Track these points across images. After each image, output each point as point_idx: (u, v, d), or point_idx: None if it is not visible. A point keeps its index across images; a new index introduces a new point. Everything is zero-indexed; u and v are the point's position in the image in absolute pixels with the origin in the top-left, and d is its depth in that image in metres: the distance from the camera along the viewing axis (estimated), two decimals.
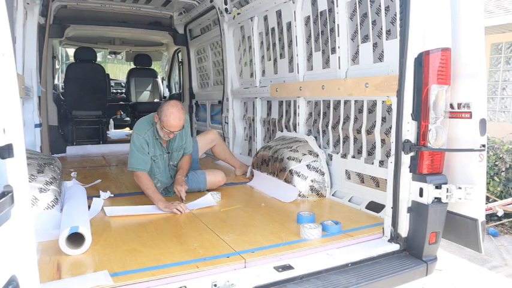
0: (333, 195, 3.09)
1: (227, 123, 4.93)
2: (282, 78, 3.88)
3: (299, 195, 3.03)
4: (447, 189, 2.07)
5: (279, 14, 3.82)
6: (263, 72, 4.30)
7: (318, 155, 3.17)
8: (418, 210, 2.13)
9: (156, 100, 8.17)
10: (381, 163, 2.71)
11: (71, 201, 2.54)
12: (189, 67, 6.39)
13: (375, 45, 2.79)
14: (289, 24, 3.66)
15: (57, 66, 7.29)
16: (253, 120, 4.52)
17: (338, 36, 3.03)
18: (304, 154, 3.17)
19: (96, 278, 1.68)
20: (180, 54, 7.20)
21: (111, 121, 8.05)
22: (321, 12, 3.28)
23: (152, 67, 8.61)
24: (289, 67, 3.79)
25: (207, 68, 5.94)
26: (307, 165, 3.11)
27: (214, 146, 4.02)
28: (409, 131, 2.13)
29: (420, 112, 2.08)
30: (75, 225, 2.00)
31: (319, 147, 3.33)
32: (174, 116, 2.93)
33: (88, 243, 2.02)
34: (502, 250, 4.40)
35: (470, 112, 2.09)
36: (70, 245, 1.98)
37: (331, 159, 3.22)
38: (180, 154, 3.33)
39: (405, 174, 2.16)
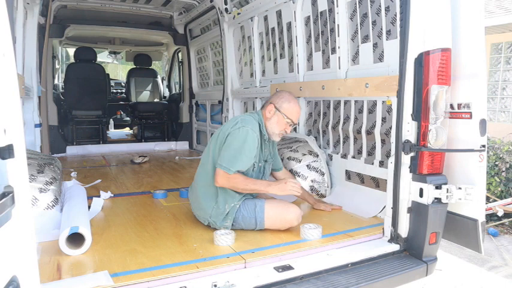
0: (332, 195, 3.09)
1: None
2: (282, 78, 3.88)
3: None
4: (447, 189, 2.07)
5: (279, 14, 3.82)
6: (263, 72, 4.30)
7: (318, 155, 3.17)
8: (418, 211, 2.13)
9: (156, 100, 8.17)
10: (381, 163, 2.71)
11: (71, 201, 2.54)
12: (189, 67, 6.39)
13: (375, 45, 2.79)
14: (289, 24, 3.65)
15: (57, 66, 7.28)
16: None
17: (338, 36, 3.02)
18: (304, 154, 3.17)
19: (97, 278, 1.68)
20: (180, 54, 7.20)
21: (111, 121, 8.06)
22: (321, 12, 3.28)
23: (152, 67, 8.61)
24: (289, 67, 3.78)
25: (207, 68, 5.94)
26: (307, 165, 3.11)
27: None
28: (409, 131, 2.13)
29: (420, 112, 2.08)
30: (75, 226, 2.00)
31: (319, 147, 3.34)
32: (297, 102, 2.46)
33: (88, 243, 2.02)
34: (502, 250, 4.40)
35: (471, 112, 2.09)
36: (70, 245, 1.98)
37: (331, 160, 3.22)
38: (269, 168, 2.66)
39: (405, 174, 2.16)
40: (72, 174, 3.84)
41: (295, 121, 2.49)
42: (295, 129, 3.71)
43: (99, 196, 3.01)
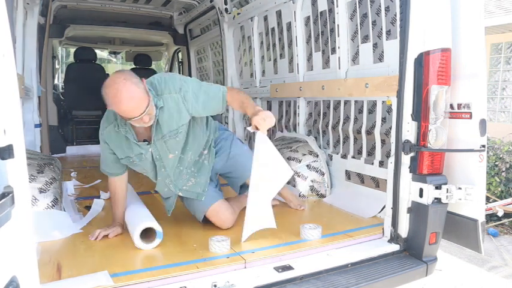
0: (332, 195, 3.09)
1: (227, 123, 4.92)
2: (282, 79, 3.87)
3: (299, 196, 3.03)
4: (447, 189, 2.07)
5: (279, 14, 3.82)
6: (263, 72, 4.30)
7: (318, 155, 3.17)
8: (418, 211, 2.13)
9: None
10: (381, 163, 2.71)
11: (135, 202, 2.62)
12: (189, 67, 6.39)
13: (375, 45, 2.79)
14: (289, 25, 3.65)
15: (57, 66, 7.28)
16: None
17: (338, 36, 3.02)
18: (304, 154, 3.17)
19: (96, 279, 1.68)
20: (180, 54, 7.20)
21: None
22: (321, 13, 3.28)
23: (152, 67, 8.60)
24: (289, 67, 3.78)
25: (207, 68, 5.94)
26: (307, 166, 3.11)
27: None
28: (409, 131, 2.12)
29: (420, 112, 2.08)
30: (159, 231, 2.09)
31: (319, 147, 3.33)
32: (118, 97, 1.82)
33: (158, 241, 2.08)
34: (502, 250, 4.40)
35: (470, 112, 2.09)
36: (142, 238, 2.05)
37: (331, 160, 3.22)
38: (180, 140, 2.17)
39: (405, 174, 2.16)
40: (72, 174, 3.84)
41: (134, 117, 1.88)
42: (295, 129, 3.71)
43: (99, 196, 3.01)
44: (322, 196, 3.08)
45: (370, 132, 2.86)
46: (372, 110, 2.85)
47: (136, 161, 2.19)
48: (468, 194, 2.07)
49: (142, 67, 8.12)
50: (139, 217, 2.19)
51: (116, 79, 1.85)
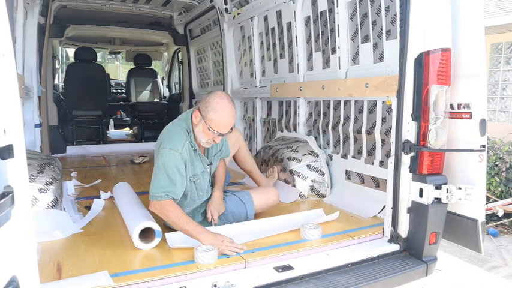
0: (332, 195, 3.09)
1: None
2: (282, 78, 3.88)
3: (299, 196, 3.03)
4: (447, 189, 2.07)
5: (279, 14, 3.82)
6: (263, 72, 4.30)
7: (318, 155, 3.17)
8: (418, 211, 2.13)
9: (156, 100, 8.17)
10: (381, 163, 2.71)
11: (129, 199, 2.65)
12: (189, 67, 6.39)
13: (375, 45, 2.79)
14: (289, 24, 3.65)
15: (57, 66, 7.28)
16: (253, 120, 4.52)
17: (338, 36, 3.02)
18: (304, 154, 3.17)
19: (96, 279, 1.68)
20: (180, 54, 7.20)
21: (111, 121, 8.05)
22: (321, 13, 3.28)
23: (152, 67, 8.61)
24: (289, 67, 3.78)
25: (207, 68, 5.94)
26: (307, 166, 3.11)
27: (238, 152, 2.91)
28: (409, 131, 2.12)
29: (420, 112, 2.08)
30: (158, 230, 2.07)
31: (319, 147, 3.33)
32: (228, 111, 2.08)
33: (158, 240, 2.07)
34: (502, 250, 4.39)
35: (470, 112, 2.09)
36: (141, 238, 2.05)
37: (331, 160, 3.22)
38: (216, 162, 2.50)
39: (405, 174, 2.16)
40: (72, 174, 3.84)
41: (224, 132, 2.13)
42: (295, 129, 3.71)
43: (99, 196, 3.01)
44: (322, 196, 3.08)
45: (370, 132, 2.86)
46: (372, 110, 2.85)
47: (200, 180, 2.30)
48: (468, 194, 2.07)
49: (142, 67, 8.14)
50: (139, 217, 2.19)
51: (225, 96, 2.14)
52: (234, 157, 2.94)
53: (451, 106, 2.17)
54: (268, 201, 2.59)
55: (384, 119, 2.74)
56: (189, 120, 2.24)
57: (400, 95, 2.15)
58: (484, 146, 2.08)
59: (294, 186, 3.08)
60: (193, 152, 2.23)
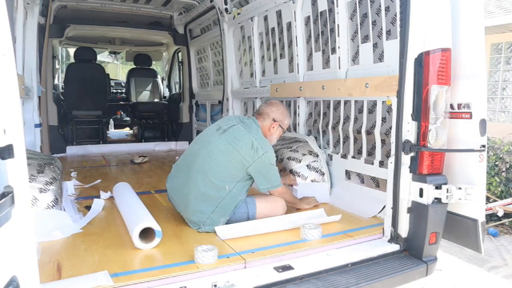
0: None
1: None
2: (282, 78, 3.88)
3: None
4: (447, 189, 2.07)
5: (279, 14, 3.82)
6: (263, 72, 4.30)
7: (318, 155, 3.17)
8: (418, 211, 2.13)
9: (156, 100, 8.18)
10: (381, 163, 2.71)
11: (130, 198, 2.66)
12: (189, 67, 6.39)
13: (375, 45, 2.79)
14: (289, 24, 3.65)
15: (57, 66, 7.28)
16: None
17: (338, 36, 3.02)
18: (304, 154, 3.17)
19: (96, 279, 1.68)
20: (180, 54, 7.20)
21: (111, 121, 8.06)
22: (321, 13, 3.28)
23: (152, 67, 8.61)
24: (289, 67, 3.78)
25: (207, 68, 5.94)
26: (307, 166, 3.11)
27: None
28: (409, 131, 2.12)
29: (420, 112, 2.08)
30: (158, 230, 2.07)
31: (319, 147, 3.33)
32: (285, 107, 2.78)
33: (158, 240, 2.07)
34: (502, 250, 4.40)
35: (471, 112, 2.09)
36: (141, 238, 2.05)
37: (331, 160, 3.22)
38: None
39: (405, 174, 2.16)
40: (72, 174, 3.84)
41: (287, 127, 2.82)
42: (295, 129, 3.72)
43: (99, 196, 3.01)
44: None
45: (370, 132, 2.86)
46: (372, 110, 2.85)
47: None
48: (468, 194, 2.07)
49: (142, 67, 8.14)
50: (139, 217, 2.20)
51: (278, 101, 2.79)
52: None
53: (451, 106, 2.17)
54: (272, 210, 2.57)
55: (384, 119, 2.74)
56: (259, 126, 2.64)
57: (400, 95, 2.15)
58: (484, 146, 2.08)
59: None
60: None
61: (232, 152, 2.43)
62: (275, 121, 2.67)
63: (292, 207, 2.72)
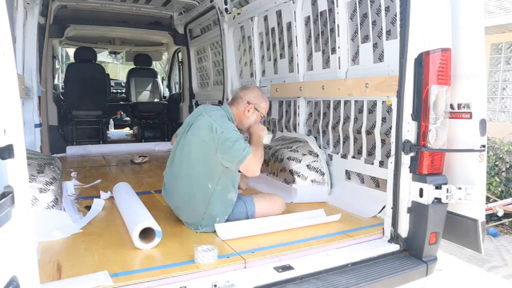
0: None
1: None
2: (282, 78, 3.88)
3: None
4: (447, 189, 2.07)
5: (279, 14, 3.82)
6: (263, 72, 4.30)
7: (318, 155, 3.17)
8: (418, 211, 2.13)
9: (156, 100, 8.18)
10: (381, 163, 2.71)
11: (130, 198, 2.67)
12: (189, 67, 6.39)
13: (375, 45, 2.79)
14: (289, 24, 3.65)
15: (57, 66, 7.28)
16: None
17: (338, 36, 3.02)
18: (304, 154, 3.17)
19: (96, 279, 1.68)
20: (180, 54, 7.20)
21: (111, 121, 8.06)
22: (321, 13, 3.28)
23: (152, 67, 8.61)
24: (289, 67, 3.78)
25: (207, 68, 5.94)
26: (307, 166, 3.11)
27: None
28: (409, 131, 2.12)
29: (420, 112, 2.08)
30: (158, 230, 2.07)
31: (319, 147, 3.33)
32: (261, 90, 2.71)
33: (158, 240, 2.07)
34: (502, 250, 4.40)
35: (471, 112, 2.09)
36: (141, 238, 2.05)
37: (331, 160, 3.22)
38: None
39: (405, 174, 2.16)
40: (72, 174, 3.84)
41: (266, 111, 2.74)
42: (295, 129, 3.72)
43: (99, 196, 3.01)
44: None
45: (370, 132, 2.86)
46: (372, 110, 2.85)
47: None
48: (468, 194, 2.07)
49: (142, 67, 8.14)
50: (139, 217, 2.20)
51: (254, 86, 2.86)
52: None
53: (451, 106, 2.17)
54: (271, 208, 2.56)
55: (384, 119, 2.74)
56: (229, 111, 2.57)
57: (400, 95, 2.15)
58: (484, 146, 2.08)
59: (294, 186, 3.08)
60: None
61: (199, 144, 2.38)
62: (249, 103, 2.58)
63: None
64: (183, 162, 2.44)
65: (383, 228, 2.33)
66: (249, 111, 2.59)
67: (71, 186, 3.24)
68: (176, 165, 2.49)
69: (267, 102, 2.70)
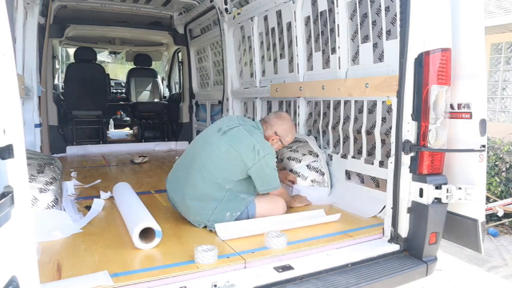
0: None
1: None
2: (282, 78, 3.87)
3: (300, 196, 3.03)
4: (447, 189, 2.07)
5: (279, 14, 3.82)
6: (263, 72, 4.30)
7: (318, 155, 3.17)
8: (418, 211, 2.13)
9: (156, 100, 8.18)
10: (381, 163, 2.71)
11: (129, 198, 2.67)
12: (189, 67, 6.39)
13: (375, 45, 2.79)
14: (289, 24, 3.65)
15: (57, 66, 7.28)
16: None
17: (338, 36, 3.02)
18: (304, 154, 3.17)
19: (96, 279, 1.68)
20: (180, 54, 7.20)
21: (111, 121, 8.06)
22: (321, 13, 3.28)
23: (152, 67, 8.61)
24: (289, 67, 3.78)
25: (207, 68, 5.94)
26: (307, 166, 3.11)
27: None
28: (409, 131, 2.12)
29: (420, 112, 2.08)
30: (158, 230, 2.07)
31: (319, 147, 3.33)
32: (293, 124, 2.81)
33: (158, 240, 2.07)
34: (502, 250, 4.40)
35: (470, 112, 2.09)
36: (141, 238, 2.05)
37: (331, 160, 3.22)
38: None
39: (405, 174, 2.16)
40: (72, 174, 3.84)
41: (291, 141, 2.85)
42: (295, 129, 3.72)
43: (99, 196, 3.01)
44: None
45: (370, 132, 2.86)
46: (372, 110, 2.85)
47: None
48: (468, 194, 2.07)
49: (142, 67, 8.15)
50: (139, 217, 2.20)
51: (288, 117, 2.83)
52: None
53: (451, 106, 2.17)
54: (272, 210, 2.57)
55: (384, 119, 2.74)
56: (262, 133, 2.66)
57: (400, 95, 2.15)
58: (484, 146, 2.08)
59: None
60: None
61: (233, 154, 2.44)
62: (276, 135, 2.69)
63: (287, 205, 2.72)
64: (207, 162, 2.47)
65: (383, 228, 2.33)
66: (273, 139, 2.68)
67: (71, 186, 3.24)
68: (197, 162, 2.50)
69: (294, 135, 2.82)
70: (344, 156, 3.10)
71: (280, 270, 1.89)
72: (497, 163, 5.33)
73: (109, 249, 2.05)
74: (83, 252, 2.01)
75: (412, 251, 2.21)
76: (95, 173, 4.11)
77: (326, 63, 3.29)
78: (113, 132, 7.86)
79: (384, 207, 2.39)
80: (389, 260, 2.17)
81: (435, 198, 2.08)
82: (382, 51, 2.72)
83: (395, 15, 2.54)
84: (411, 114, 2.11)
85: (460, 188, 2.08)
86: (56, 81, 6.82)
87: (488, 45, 9.00)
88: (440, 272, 3.71)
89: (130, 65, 8.71)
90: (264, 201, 2.57)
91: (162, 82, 8.64)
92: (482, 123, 2.08)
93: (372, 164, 2.80)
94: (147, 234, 2.07)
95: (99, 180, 3.66)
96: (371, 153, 2.89)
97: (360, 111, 2.95)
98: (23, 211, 1.07)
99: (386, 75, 2.53)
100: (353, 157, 3.01)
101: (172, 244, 2.13)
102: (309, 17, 3.44)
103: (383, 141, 2.76)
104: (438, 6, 2.05)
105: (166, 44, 7.52)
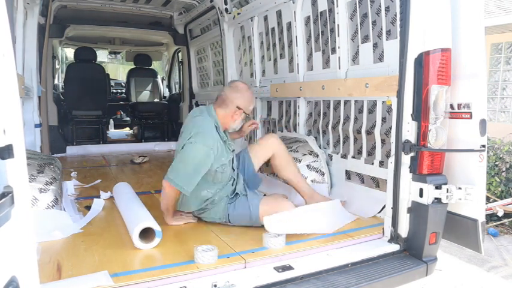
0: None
1: None
2: (282, 78, 3.87)
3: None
4: (447, 189, 2.07)
5: (279, 14, 3.82)
6: (263, 72, 4.30)
7: (318, 155, 3.17)
8: (418, 211, 2.13)
9: (156, 100, 8.18)
10: (381, 163, 2.71)
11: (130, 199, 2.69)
12: (189, 67, 6.39)
13: (375, 45, 2.79)
14: (289, 24, 3.65)
15: (57, 66, 7.28)
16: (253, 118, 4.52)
17: (338, 36, 3.02)
18: (304, 154, 3.17)
19: (96, 279, 1.68)
20: (180, 54, 7.20)
21: (111, 121, 8.06)
22: (321, 13, 3.28)
23: (152, 67, 8.61)
24: (289, 67, 3.78)
25: (207, 68, 5.94)
26: (307, 166, 3.11)
27: (274, 158, 2.79)
28: (409, 131, 2.12)
29: (420, 112, 2.08)
30: (158, 230, 2.08)
31: (319, 147, 3.33)
32: (251, 91, 2.55)
33: (158, 240, 2.07)
34: (502, 250, 4.40)
35: (470, 112, 2.09)
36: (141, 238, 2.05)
37: (331, 160, 3.22)
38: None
39: (405, 174, 2.16)
40: (72, 174, 3.84)
41: (251, 110, 2.67)
42: (295, 129, 3.72)
43: (99, 196, 3.01)
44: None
45: (370, 132, 2.86)
46: (372, 110, 2.85)
47: (226, 168, 2.45)
48: (468, 194, 2.07)
49: (142, 67, 8.15)
50: (139, 217, 2.20)
51: (247, 85, 2.59)
52: (272, 164, 2.87)
53: (451, 106, 2.17)
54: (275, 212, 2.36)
55: (384, 119, 2.74)
56: (214, 115, 2.47)
57: (400, 95, 2.15)
58: (484, 146, 2.08)
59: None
60: (223, 144, 2.44)
61: (181, 136, 2.43)
62: (239, 108, 2.49)
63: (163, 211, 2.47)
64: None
65: (383, 228, 2.33)
66: (237, 114, 2.50)
67: (71, 186, 3.24)
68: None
69: (255, 102, 2.68)
70: (344, 156, 3.10)
71: (280, 270, 1.89)
72: (497, 163, 5.33)
73: (109, 249, 2.05)
74: (83, 252, 2.01)
75: (412, 251, 2.21)
76: (95, 173, 4.11)
77: (326, 63, 3.29)
78: (113, 132, 7.85)
79: (384, 207, 2.39)
80: (389, 260, 2.17)
81: (435, 198, 2.08)
82: (382, 51, 2.72)
83: (395, 15, 2.54)
84: (411, 114, 2.11)
85: (460, 188, 2.08)
86: (56, 81, 6.82)
87: (488, 45, 9.00)
88: (440, 272, 3.71)
89: (131, 65, 8.70)
90: (269, 204, 2.41)
91: (162, 82, 8.64)
92: (482, 123, 2.08)
93: (372, 164, 2.80)
94: (147, 234, 2.07)
95: (99, 180, 3.66)
96: (371, 153, 2.89)
97: (360, 111, 2.95)
98: (23, 211, 1.06)
99: (386, 75, 2.53)
100: (353, 157, 3.01)
101: (172, 244, 2.14)
102: (309, 17, 3.44)
103: (383, 141, 2.76)
104: (438, 6, 2.05)
105: (166, 44, 7.52)
